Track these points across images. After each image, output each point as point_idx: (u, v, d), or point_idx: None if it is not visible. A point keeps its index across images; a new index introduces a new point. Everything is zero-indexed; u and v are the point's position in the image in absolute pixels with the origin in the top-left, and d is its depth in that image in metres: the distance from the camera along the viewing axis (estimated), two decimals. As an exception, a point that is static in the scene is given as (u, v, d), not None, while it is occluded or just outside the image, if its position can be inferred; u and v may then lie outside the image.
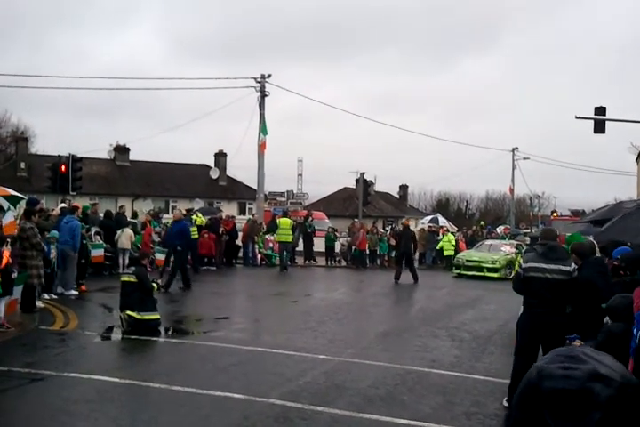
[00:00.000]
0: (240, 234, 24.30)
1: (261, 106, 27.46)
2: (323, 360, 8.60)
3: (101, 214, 19.38)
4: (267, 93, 27.51)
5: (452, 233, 28.20)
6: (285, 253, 22.65)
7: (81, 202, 25.37)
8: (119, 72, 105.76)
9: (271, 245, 24.72)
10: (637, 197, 30.80)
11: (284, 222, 22.69)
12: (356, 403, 6.70)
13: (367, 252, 26.59)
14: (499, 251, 23.32)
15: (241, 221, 27.73)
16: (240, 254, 24.32)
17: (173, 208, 38.73)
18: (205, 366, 8.09)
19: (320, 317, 12.44)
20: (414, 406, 6.73)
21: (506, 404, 6.84)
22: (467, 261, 22.81)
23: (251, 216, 26.34)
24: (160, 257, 18.36)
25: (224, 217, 24.33)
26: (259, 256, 24.28)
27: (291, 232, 22.65)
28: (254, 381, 7.45)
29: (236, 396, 6.67)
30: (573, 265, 6.64)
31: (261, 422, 5.99)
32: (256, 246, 24.18)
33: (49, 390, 6.81)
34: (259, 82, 27.38)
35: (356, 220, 28.33)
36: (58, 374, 7.27)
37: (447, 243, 26.78)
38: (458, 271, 22.89)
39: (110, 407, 6.28)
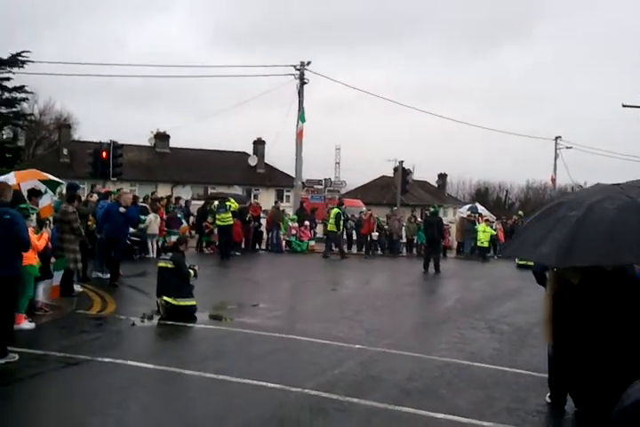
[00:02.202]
0: (264, 221, 24.67)
1: (300, 93, 27.28)
2: (359, 350, 8.45)
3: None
4: (306, 81, 27.32)
5: (488, 223, 27.29)
6: (329, 242, 23.32)
7: (121, 188, 25.74)
8: (158, 59, 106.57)
9: (294, 231, 24.84)
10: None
11: (332, 212, 23.37)
12: (393, 395, 6.53)
13: (404, 240, 26.42)
14: None
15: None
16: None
17: (211, 194, 38.97)
18: (240, 353, 8.00)
19: (356, 305, 12.28)
20: (453, 400, 6.52)
21: (548, 400, 6.60)
22: None
23: (273, 204, 26.55)
24: (173, 239, 18.63)
25: (252, 204, 24.75)
26: (283, 242, 24.40)
27: (333, 222, 22.81)
28: (289, 370, 7.33)
29: (270, 385, 6.55)
30: None
31: (296, 412, 5.86)
32: (280, 232, 24.31)
33: (83, 375, 6.79)
34: (298, 69, 27.20)
35: (394, 208, 28.05)
36: (93, 359, 7.25)
37: (482, 233, 26.09)
38: (523, 262, 21.91)
39: (143, 395, 6.23)
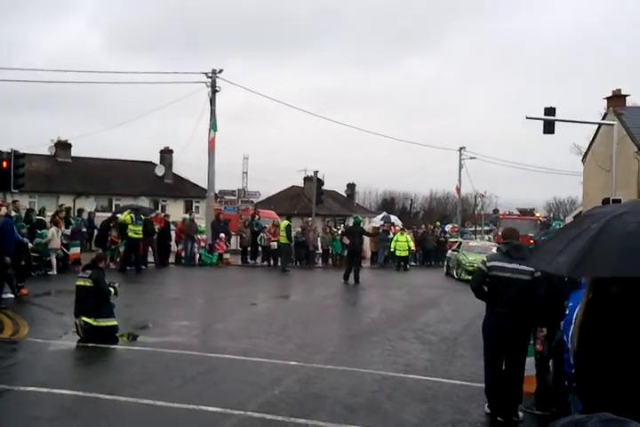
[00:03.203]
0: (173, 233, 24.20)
1: (212, 102, 26.81)
2: (294, 367, 8.27)
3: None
4: (218, 89, 26.88)
5: (402, 232, 27.89)
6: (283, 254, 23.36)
7: (21, 200, 24.41)
8: (58, 65, 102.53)
9: (203, 244, 24.48)
10: (583, 196, 31.57)
11: (282, 225, 23.34)
12: (339, 413, 6.41)
13: (319, 251, 26.49)
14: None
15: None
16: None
17: (117, 206, 37.64)
18: (172, 375, 7.63)
19: (282, 320, 12.10)
20: (398, 415, 6.48)
21: (487, 410, 6.67)
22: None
23: (187, 215, 26.05)
24: (75, 251, 18.86)
25: (158, 215, 24.42)
26: (197, 256, 24.03)
27: (284, 234, 22.81)
28: (227, 391, 7.06)
29: (211, 409, 6.27)
30: None
31: (244, 438, 5.63)
32: (195, 245, 23.90)
33: (5, 406, 6.27)
34: (209, 77, 26.71)
35: (309, 218, 28.04)
36: (13, 389, 6.70)
37: (402, 243, 26.53)
38: (468, 277, 20.54)
39: (77, 426, 5.80)
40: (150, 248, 22.17)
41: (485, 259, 6.91)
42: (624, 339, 1.85)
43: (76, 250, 19.11)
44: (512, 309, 6.44)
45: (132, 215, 20.06)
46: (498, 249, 7.06)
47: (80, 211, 23.48)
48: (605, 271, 2.11)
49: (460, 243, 25.49)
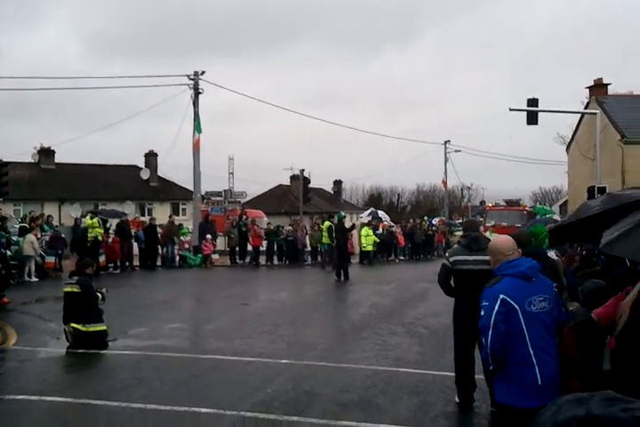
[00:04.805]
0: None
1: (195, 103, 26.73)
2: (286, 365, 8.28)
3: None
4: (200, 91, 26.79)
5: (368, 227, 27.52)
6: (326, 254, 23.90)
7: (5, 208, 24.24)
8: (39, 72, 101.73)
9: (187, 246, 24.46)
10: (568, 185, 31.76)
11: (324, 226, 23.55)
12: (331, 410, 6.42)
13: (308, 248, 26.48)
14: None
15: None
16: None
17: (103, 211, 37.40)
18: (163, 378, 7.62)
19: (273, 319, 12.09)
20: (391, 409, 6.49)
21: (457, 400, 6.66)
22: None
23: (168, 217, 26.06)
24: (50, 259, 19.17)
25: (134, 218, 24.86)
26: (177, 258, 24.00)
27: (326, 234, 22.95)
28: (219, 392, 7.05)
29: (203, 410, 6.27)
30: None
31: (237, 438, 5.63)
32: (175, 247, 23.88)
33: (-4, 416, 6.22)
34: (192, 79, 26.63)
35: (297, 217, 28.04)
36: (4, 397, 6.67)
37: (365, 237, 26.50)
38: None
39: (69, 432, 5.78)
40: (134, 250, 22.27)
41: (448, 254, 6.91)
42: None
43: (51, 258, 19.25)
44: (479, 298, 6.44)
45: (98, 219, 20.27)
46: (458, 242, 7.05)
47: (49, 217, 23.27)
48: (626, 253, 2.15)
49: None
